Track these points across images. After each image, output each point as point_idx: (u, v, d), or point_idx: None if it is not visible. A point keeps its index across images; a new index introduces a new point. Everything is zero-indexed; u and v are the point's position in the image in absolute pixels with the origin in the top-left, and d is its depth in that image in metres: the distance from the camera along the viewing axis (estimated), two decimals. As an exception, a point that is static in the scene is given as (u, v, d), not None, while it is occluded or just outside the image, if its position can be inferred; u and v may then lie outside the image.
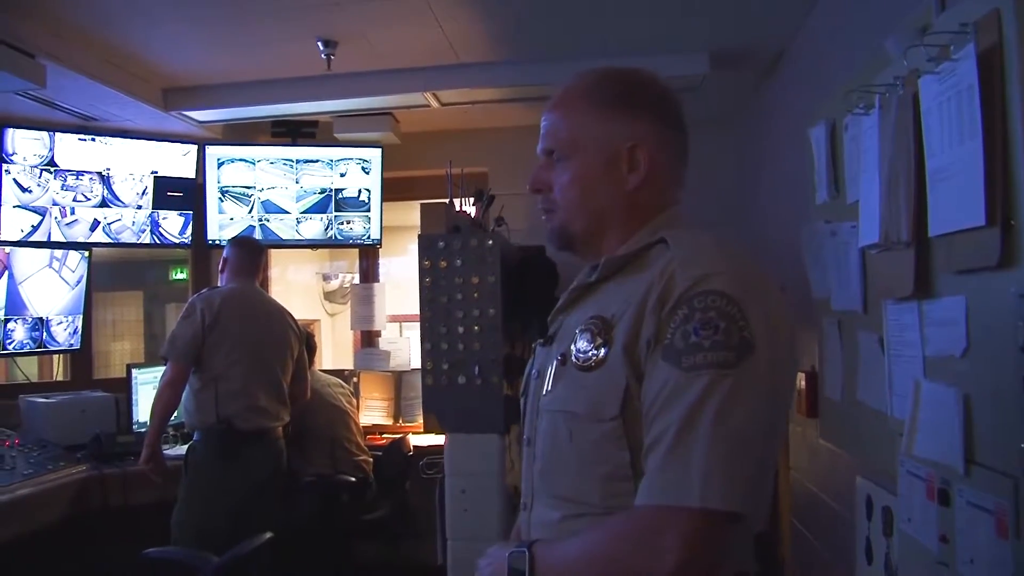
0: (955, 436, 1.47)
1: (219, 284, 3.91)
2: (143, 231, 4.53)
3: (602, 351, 1.22)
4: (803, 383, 2.83)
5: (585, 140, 1.34)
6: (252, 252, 3.95)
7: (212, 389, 3.55)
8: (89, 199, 4.33)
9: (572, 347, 1.27)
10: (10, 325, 4.09)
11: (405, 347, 5.11)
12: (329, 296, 7.04)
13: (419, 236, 3.26)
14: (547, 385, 1.31)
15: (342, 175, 4.73)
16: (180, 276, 6.46)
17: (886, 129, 1.73)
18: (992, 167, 1.32)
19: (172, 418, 3.74)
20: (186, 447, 3.68)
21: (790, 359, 1.22)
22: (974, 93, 1.35)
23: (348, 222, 4.77)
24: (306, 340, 4.18)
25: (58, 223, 4.23)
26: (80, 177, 4.28)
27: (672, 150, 1.38)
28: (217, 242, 4.65)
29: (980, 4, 1.37)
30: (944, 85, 1.46)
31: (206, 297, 3.68)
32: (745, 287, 1.17)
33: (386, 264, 5.88)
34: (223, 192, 4.64)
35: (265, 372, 3.70)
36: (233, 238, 4.14)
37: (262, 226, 4.68)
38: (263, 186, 4.68)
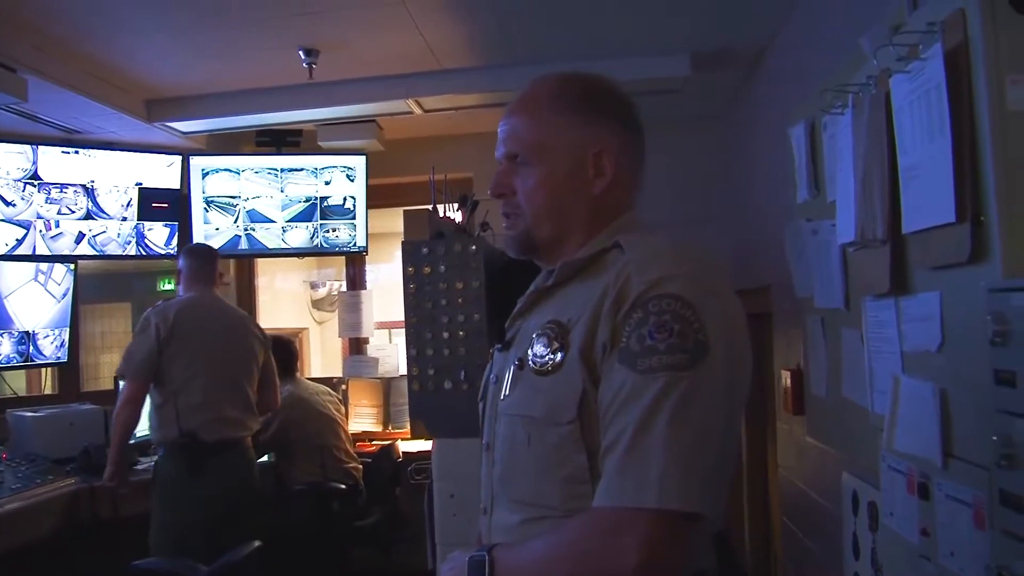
0: (933, 430, 1.49)
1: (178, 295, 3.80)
2: (129, 243, 4.53)
3: (558, 355, 1.23)
4: (789, 381, 2.85)
5: (551, 145, 1.35)
6: (205, 259, 3.84)
7: (172, 403, 3.47)
8: (74, 212, 4.32)
9: (529, 352, 1.28)
10: (-4, 340, 4.08)
11: (393, 353, 5.12)
12: (317, 304, 7.04)
13: (402, 242, 3.26)
14: (505, 390, 1.32)
15: (327, 183, 4.74)
16: (168, 287, 6.43)
17: (860, 128, 1.75)
18: (961, 164, 1.33)
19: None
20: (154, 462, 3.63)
21: (745, 360, 1.24)
22: (942, 92, 1.36)
23: (334, 230, 4.78)
24: (280, 346, 4.16)
25: (43, 236, 4.23)
26: (64, 190, 4.28)
27: (633, 154, 1.40)
28: (203, 252, 4.64)
29: (947, 3, 1.38)
30: (914, 84, 1.48)
31: (161, 310, 3.59)
32: (700, 289, 1.18)
33: (373, 271, 5.89)
34: (208, 202, 4.64)
35: (228, 382, 3.62)
36: (184, 248, 4.08)
37: (248, 235, 4.68)
38: (248, 196, 4.68)
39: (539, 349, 1.26)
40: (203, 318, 3.64)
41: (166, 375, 3.49)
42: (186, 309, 3.61)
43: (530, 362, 1.27)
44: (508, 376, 1.32)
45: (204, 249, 4.00)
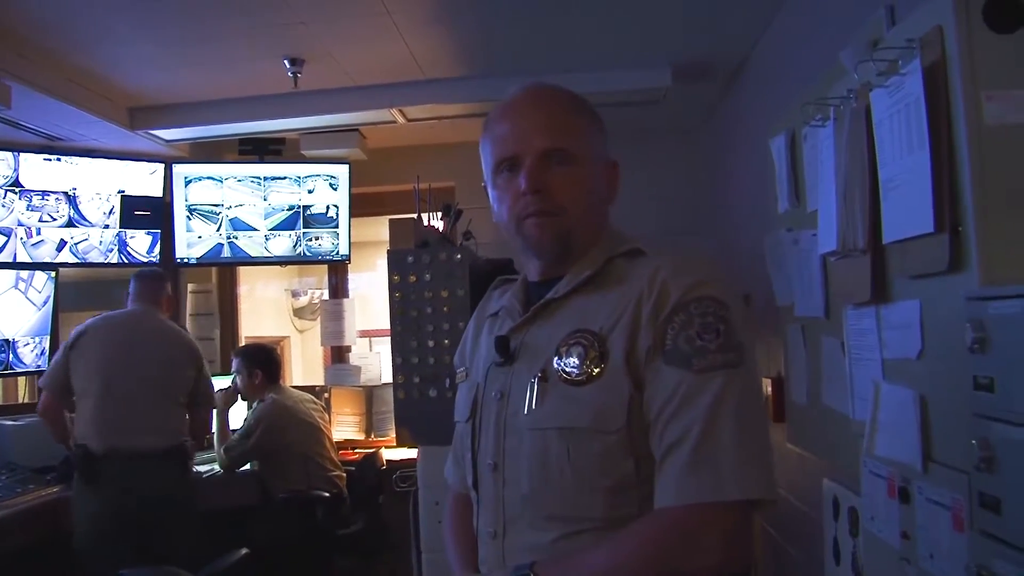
0: (913, 435, 1.52)
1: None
2: (111, 250, 4.51)
3: (599, 364, 1.23)
4: (770, 389, 2.88)
5: (593, 149, 1.36)
6: (145, 280, 3.90)
7: (78, 412, 3.56)
8: (55, 219, 4.30)
9: (556, 363, 1.27)
10: (-24, 348, 4.05)
11: (375, 362, 5.12)
12: (298, 312, 7.03)
13: (388, 251, 3.27)
14: (529, 404, 1.27)
15: (310, 192, 4.74)
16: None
17: (841, 140, 1.79)
18: (939, 176, 1.37)
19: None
20: None
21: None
22: (921, 106, 1.40)
23: (317, 238, 4.78)
24: (264, 354, 4.23)
25: (24, 243, 4.20)
26: (46, 197, 4.26)
27: None
28: (186, 260, 4.64)
29: (925, 20, 1.42)
30: (893, 98, 1.52)
31: (80, 325, 3.70)
32: (729, 291, 1.24)
33: (355, 280, 5.88)
34: (191, 210, 4.63)
35: (133, 393, 3.57)
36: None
37: (230, 244, 4.68)
38: (231, 204, 4.67)
39: (574, 360, 1.25)
40: (116, 331, 3.68)
41: (73, 385, 3.58)
42: (100, 322, 3.70)
43: (561, 373, 1.26)
44: (530, 390, 1.28)
45: (147, 272, 4.05)
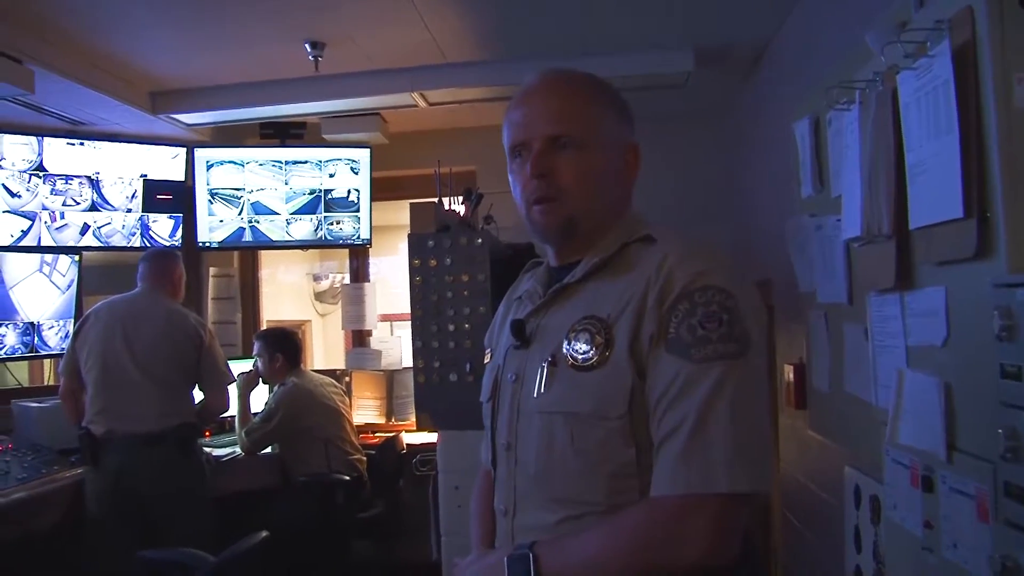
0: (937, 424, 1.50)
1: None
2: (133, 234, 4.54)
3: (604, 350, 1.24)
4: (791, 375, 2.86)
5: (604, 135, 1.36)
6: (149, 261, 3.90)
7: (83, 396, 3.63)
8: (79, 203, 4.33)
9: (565, 348, 1.28)
10: (1, 330, 4.08)
11: (396, 346, 5.13)
12: (319, 296, 7.04)
13: (409, 235, 3.27)
14: (538, 387, 1.30)
15: (331, 176, 4.75)
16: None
17: (866, 124, 1.76)
18: (968, 161, 1.34)
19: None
20: None
21: (766, 348, 1.27)
22: (949, 88, 1.38)
23: (338, 222, 4.79)
24: (285, 338, 4.27)
25: (48, 227, 4.24)
26: (69, 181, 4.29)
27: None
28: (207, 244, 4.66)
29: (954, 1, 1.39)
30: (921, 81, 1.49)
31: (87, 311, 3.77)
32: (736, 281, 1.22)
33: (376, 264, 5.89)
34: (213, 194, 4.65)
35: (131, 375, 3.58)
36: None
37: (252, 228, 4.69)
38: (252, 188, 4.69)
39: (581, 345, 1.26)
40: (115, 315, 3.69)
41: (80, 370, 3.65)
42: (103, 307, 3.75)
43: (569, 358, 1.27)
44: (540, 374, 1.30)
45: (154, 252, 4.07)
